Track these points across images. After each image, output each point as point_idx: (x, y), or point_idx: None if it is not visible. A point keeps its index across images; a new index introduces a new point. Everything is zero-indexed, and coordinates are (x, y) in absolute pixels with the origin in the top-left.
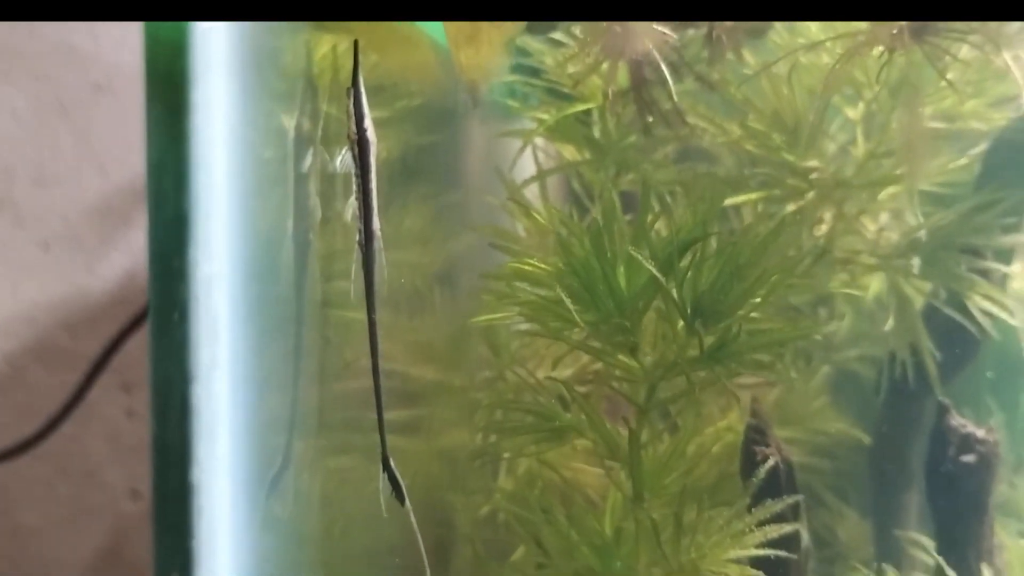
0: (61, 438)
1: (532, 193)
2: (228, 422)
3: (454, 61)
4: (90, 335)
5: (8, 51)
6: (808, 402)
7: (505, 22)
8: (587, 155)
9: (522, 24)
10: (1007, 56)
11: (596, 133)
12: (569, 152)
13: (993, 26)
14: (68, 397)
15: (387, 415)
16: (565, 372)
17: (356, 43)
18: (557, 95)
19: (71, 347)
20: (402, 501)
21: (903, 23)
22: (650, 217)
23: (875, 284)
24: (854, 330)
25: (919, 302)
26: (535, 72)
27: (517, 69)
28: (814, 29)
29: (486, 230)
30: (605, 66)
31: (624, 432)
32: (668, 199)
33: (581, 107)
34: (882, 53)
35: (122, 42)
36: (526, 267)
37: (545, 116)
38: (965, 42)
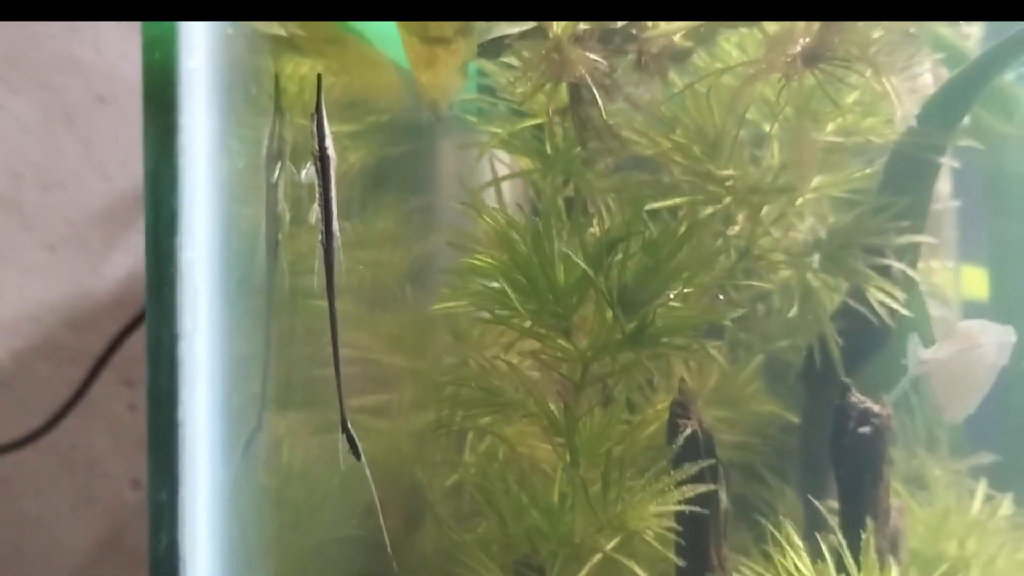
0: (65, 431)
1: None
2: (206, 372)
3: (417, 82)
4: (93, 333)
5: (16, 63)
6: (744, 387)
7: (459, 49)
8: (536, 165)
9: (474, 50)
10: (886, 80)
11: (545, 146)
12: (524, 162)
13: (872, 53)
14: (72, 392)
15: (363, 399)
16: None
17: (320, 76)
18: (513, 112)
19: (75, 344)
20: (358, 457)
21: (796, 52)
22: (584, 219)
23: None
24: (788, 322)
25: (831, 297)
26: (493, 91)
27: (481, 89)
28: (735, 55)
29: (447, 231)
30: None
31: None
32: (605, 204)
33: (528, 123)
34: (780, 78)
35: (124, 55)
36: (476, 262)
37: (499, 130)
38: (850, 68)
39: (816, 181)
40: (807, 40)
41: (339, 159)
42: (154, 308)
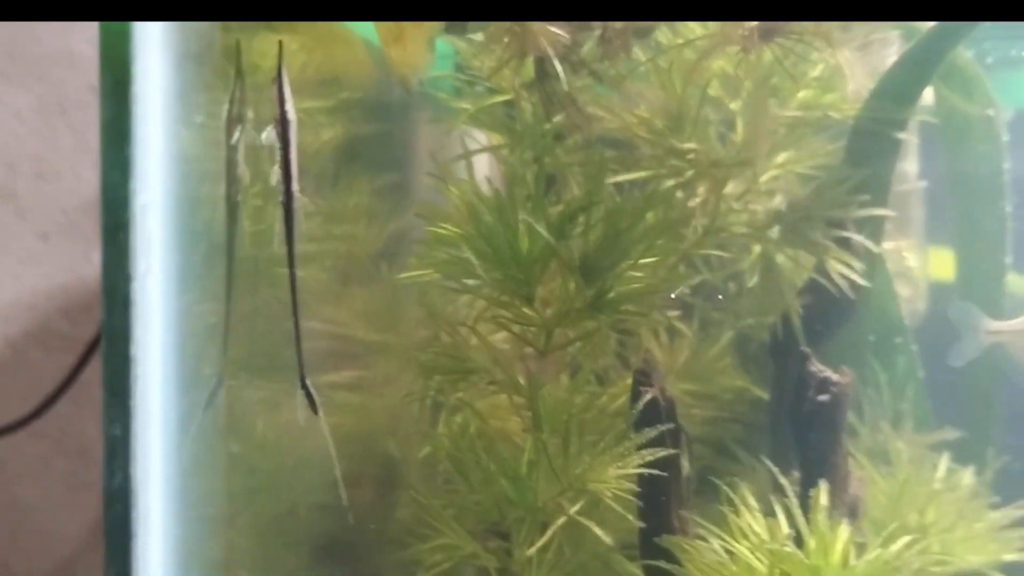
0: (58, 417)
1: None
2: (159, 313)
3: (387, 58)
4: (87, 320)
5: (13, 56)
6: (715, 362)
7: (426, 23)
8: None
9: (441, 24)
10: (840, 55)
11: (514, 121)
12: (494, 138)
13: (827, 27)
14: (65, 378)
15: (339, 374)
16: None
17: (280, 43)
18: (481, 88)
19: (69, 332)
20: (315, 411)
21: (753, 25)
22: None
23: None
24: (758, 298)
25: (799, 271)
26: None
27: (455, 66)
28: (698, 30)
29: (420, 205)
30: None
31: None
32: (572, 177)
33: (496, 99)
34: (739, 52)
35: None
36: (442, 231)
37: (468, 106)
38: (804, 43)
39: (781, 156)
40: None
41: (313, 135)
42: (109, 250)
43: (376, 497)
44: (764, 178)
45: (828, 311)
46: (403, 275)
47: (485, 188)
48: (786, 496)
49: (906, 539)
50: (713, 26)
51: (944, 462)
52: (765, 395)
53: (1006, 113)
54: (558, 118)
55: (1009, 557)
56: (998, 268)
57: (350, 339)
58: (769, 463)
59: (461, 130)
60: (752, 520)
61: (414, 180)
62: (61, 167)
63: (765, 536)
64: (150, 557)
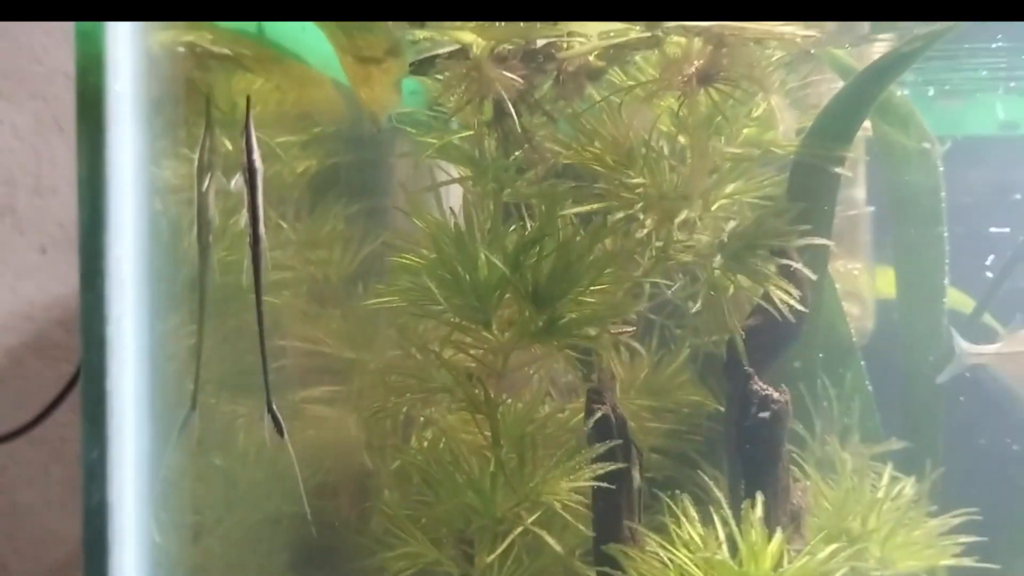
0: (56, 424)
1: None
2: (132, 350)
3: (357, 98)
4: None
5: (12, 76)
6: (673, 378)
7: (391, 67)
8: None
9: (406, 68)
10: (772, 98)
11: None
12: (461, 170)
13: (759, 73)
14: (62, 387)
15: (316, 390)
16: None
17: (248, 98)
18: (447, 124)
19: (65, 341)
20: (281, 434)
21: (692, 72)
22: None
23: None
24: (714, 318)
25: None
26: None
27: (426, 103)
28: (650, 71)
29: (390, 232)
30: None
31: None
32: (531, 209)
33: (458, 135)
34: (680, 96)
35: None
36: (405, 261)
37: (433, 141)
38: (738, 87)
39: (729, 188)
40: (701, 61)
41: (288, 166)
42: (87, 295)
43: (350, 507)
44: (714, 208)
45: (777, 330)
46: (371, 301)
47: (450, 219)
48: (729, 507)
49: (836, 545)
50: (657, 70)
51: (887, 472)
52: (722, 408)
53: (941, 146)
54: (518, 153)
55: (945, 563)
56: (938, 287)
57: (327, 357)
58: (717, 475)
59: (431, 162)
60: (691, 529)
61: (386, 208)
62: (58, 183)
63: (701, 545)
64: (125, 568)
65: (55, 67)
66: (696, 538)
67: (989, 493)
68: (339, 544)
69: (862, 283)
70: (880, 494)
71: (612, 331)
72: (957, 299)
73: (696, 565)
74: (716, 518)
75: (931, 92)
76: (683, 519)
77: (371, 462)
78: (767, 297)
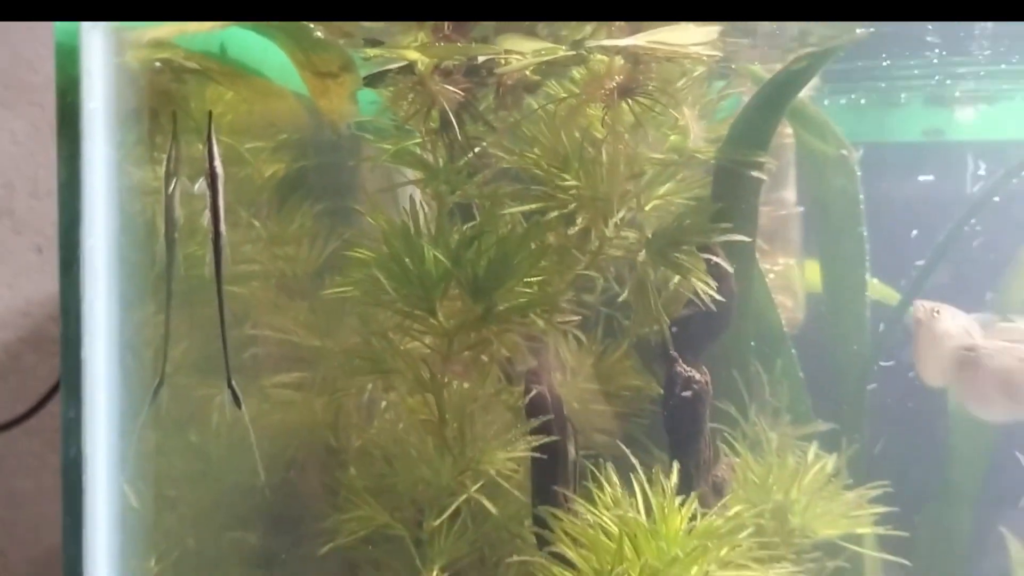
0: (51, 415)
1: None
2: (103, 325)
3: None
4: None
5: (10, 84)
6: (617, 365)
7: (346, 81)
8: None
9: (360, 81)
10: (681, 110)
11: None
12: (414, 173)
13: (672, 88)
14: (57, 379)
15: (286, 376)
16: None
17: (210, 113)
18: (402, 131)
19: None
20: (239, 406)
21: (614, 85)
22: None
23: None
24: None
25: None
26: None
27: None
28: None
29: (348, 231)
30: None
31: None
32: (478, 209)
33: (410, 142)
34: (603, 107)
35: None
36: (358, 255)
37: (388, 146)
38: (654, 99)
39: (661, 190)
40: (621, 77)
41: (258, 170)
42: (64, 280)
43: (318, 480)
44: (648, 207)
45: (708, 320)
46: (327, 291)
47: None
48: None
49: (740, 507)
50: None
51: (812, 450)
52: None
53: (857, 152)
54: (468, 157)
55: (861, 531)
56: (859, 281)
57: (295, 345)
58: (663, 454)
59: (389, 166)
60: (612, 494)
61: (348, 207)
62: (54, 186)
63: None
64: (97, 511)
65: (51, 76)
66: (615, 501)
67: (910, 469)
68: (304, 512)
69: (794, 278)
70: (800, 469)
71: (559, 321)
72: (884, 292)
73: (613, 524)
74: (635, 485)
75: (863, 101)
76: (606, 485)
77: (336, 440)
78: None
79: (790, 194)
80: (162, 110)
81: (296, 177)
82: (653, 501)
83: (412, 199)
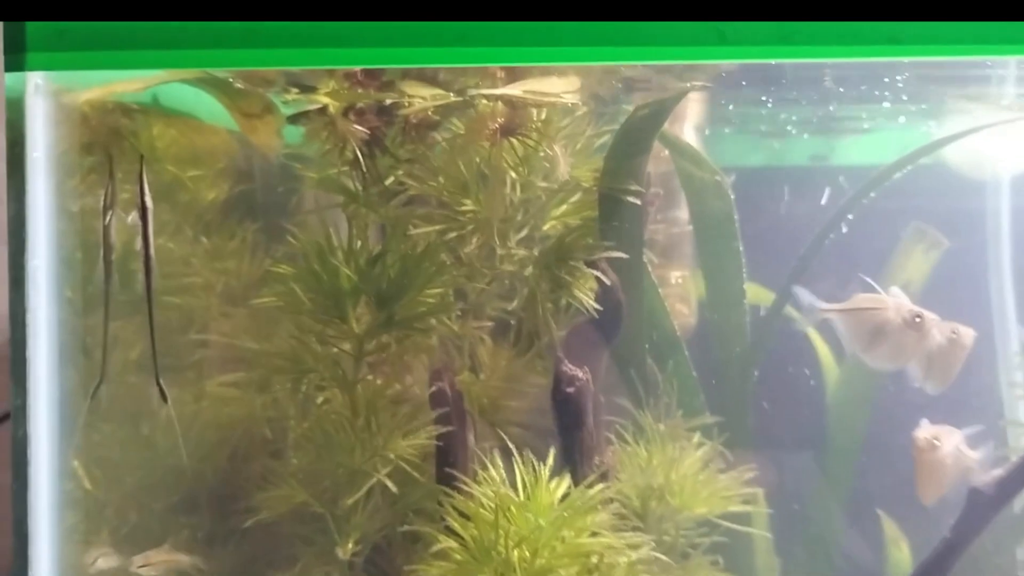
0: None
1: None
2: (45, 330)
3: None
4: None
5: None
6: (527, 365)
7: (271, 120)
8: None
9: (283, 120)
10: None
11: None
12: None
13: (548, 129)
14: None
15: (230, 376)
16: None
17: (142, 156)
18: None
19: None
20: (166, 401)
21: (498, 126)
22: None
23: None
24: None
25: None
26: None
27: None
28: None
29: (278, 250)
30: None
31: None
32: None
33: (329, 171)
34: (491, 143)
35: None
36: (278, 270)
37: (313, 174)
38: (532, 140)
39: (557, 211)
40: (503, 119)
41: (196, 194)
42: (13, 292)
43: (254, 467)
44: (546, 227)
45: (600, 327)
46: (255, 302)
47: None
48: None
49: (601, 486)
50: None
51: (695, 439)
52: None
53: (730, 178)
54: (387, 183)
55: (733, 509)
56: (738, 291)
57: (237, 348)
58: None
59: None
60: (495, 474)
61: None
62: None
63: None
64: (40, 480)
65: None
66: (496, 480)
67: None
68: (236, 492)
69: (687, 287)
70: (679, 456)
71: (475, 326)
72: (766, 296)
73: (490, 500)
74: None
75: (763, 129)
76: (490, 467)
77: (271, 432)
78: (595, 299)
79: (683, 214)
80: (112, 145)
81: (236, 200)
82: (528, 480)
83: (323, 222)
